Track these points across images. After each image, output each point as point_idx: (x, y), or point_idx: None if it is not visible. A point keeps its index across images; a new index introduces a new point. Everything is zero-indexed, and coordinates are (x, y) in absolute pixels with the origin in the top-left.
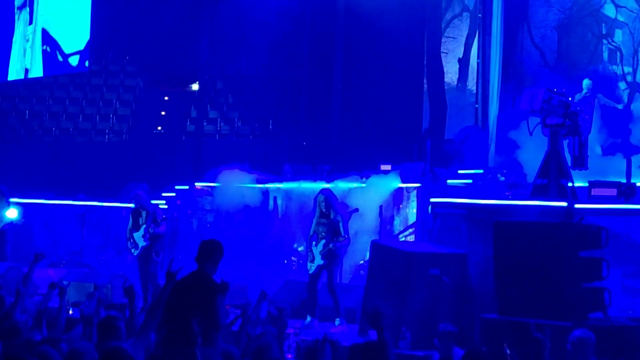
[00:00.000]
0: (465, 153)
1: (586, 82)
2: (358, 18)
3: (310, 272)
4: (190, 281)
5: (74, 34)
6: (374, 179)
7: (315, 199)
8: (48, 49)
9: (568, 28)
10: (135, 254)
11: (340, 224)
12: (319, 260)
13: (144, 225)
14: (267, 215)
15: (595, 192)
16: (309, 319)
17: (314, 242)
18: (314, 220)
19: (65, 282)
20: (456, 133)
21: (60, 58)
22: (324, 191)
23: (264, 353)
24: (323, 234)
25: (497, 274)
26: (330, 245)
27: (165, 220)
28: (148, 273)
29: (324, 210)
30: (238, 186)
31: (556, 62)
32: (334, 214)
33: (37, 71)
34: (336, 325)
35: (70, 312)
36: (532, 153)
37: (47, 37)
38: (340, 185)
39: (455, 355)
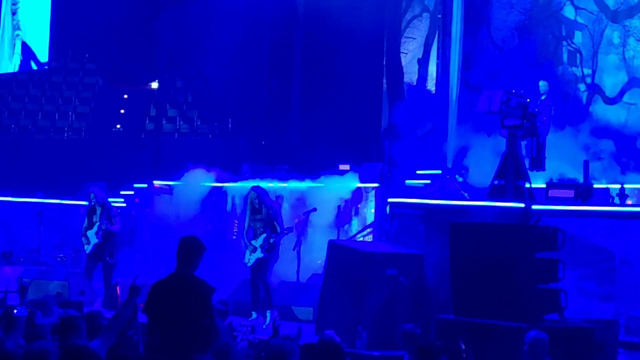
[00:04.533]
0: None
1: (542, 84)
2: (318, 18)
3: (249, 264)
4: (177, 284)
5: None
6: (332, 179)
7: (246, 196)
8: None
9: (528, 29)
10: (87, 251)
11: (277, 218)
12: (259, 254)
13: (98, 223)
14: (225, 215)
15: (552, 193)
16: (254, 315)
17: (252, 238)
18: (247, 217)
19: (26, 281)
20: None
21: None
22: (255, 188)
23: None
24: (261, 229)
25: (453, 275)
26: (271, 240)
27: (118, 215)
28: (103, 274)
29: (256, 206)
30: (201, 185)
31: (516, 63)
32: (266, 210)
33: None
34: (252, 318)
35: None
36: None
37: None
38: (297, 185)
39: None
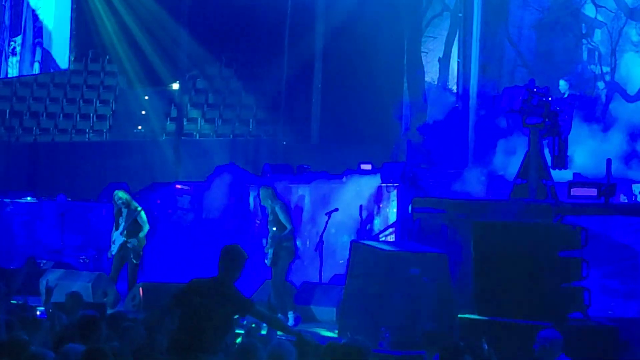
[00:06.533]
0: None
1: (563, 83)
2: (338, 17)
3: (268, 264)
4: (215, 286)
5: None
6: (354, 179)
7: (257, 195)
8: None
9: (547, 28)
10: (113, 252)
11: (285, 216)
12: (270, 252)
13: (123, 224)
14: (247, 214)
15: (575, 191)
16: (291, 316)
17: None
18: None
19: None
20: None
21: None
22: (262, 186)
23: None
24: (272, 227)
25: (476, 274)
26: (277, 238)
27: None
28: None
29: (265, 205)
30: (226, 185)
31: (535, 62)
32: (273, 208)
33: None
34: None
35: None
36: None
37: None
38: (319, 185)
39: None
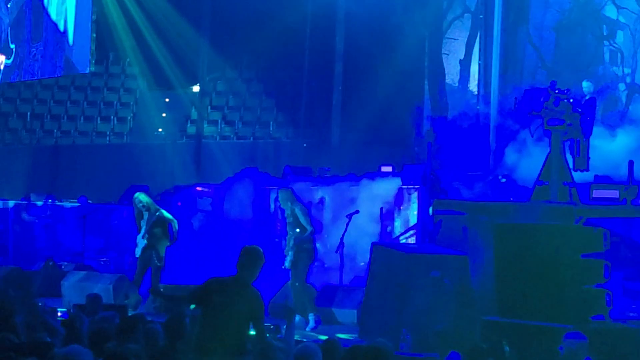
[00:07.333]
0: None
1: (586, 84)
2: (358, 19)
3: (286, 267)
4: (234, 285)
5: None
6: (374, 181)
7: (276, 198)
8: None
9: (567, 29)
10: (136, 255)
11: (305, 218)
12: (290, 255)
13: (145, 227)
14: (268, 217)
15: (597, 193)
16: (297, 317)
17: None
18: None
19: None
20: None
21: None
22: (281, 190)
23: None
24: (290, 230)
25: (497, 276)
26: (297, 240)
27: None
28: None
29: (284, 208)
30: (248, 187)
31: (554, 63)
32: (292, 210)
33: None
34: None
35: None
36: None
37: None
38: (339, 187)
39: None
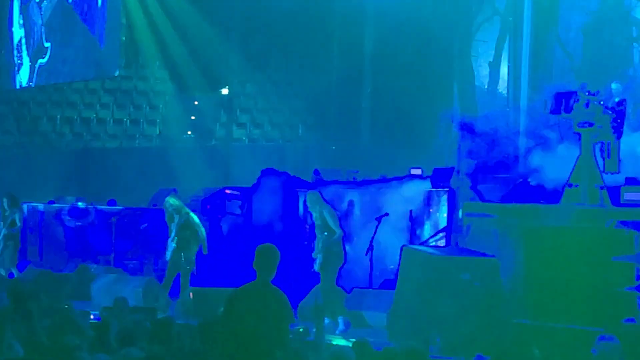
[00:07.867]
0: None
1: (615, 86)
2: (388, 21)
3: (316, 269)
4: (258, 292)
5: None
6: (404, 183)
7: (305, 201)
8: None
9: (595, 31)
10: (167, 258)
11: (332, 221)
12: (319, 258)
13: (174, 230)
14: (297, 220)
15: (628, 196)
16: (340, 321)
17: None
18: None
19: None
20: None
21: None
22: (308, 193)
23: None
24: (318, 233)
25: (528, 279)
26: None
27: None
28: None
29: (312, 211)
30: (277, 190)
31: (583, 65)
32: (320, 213)
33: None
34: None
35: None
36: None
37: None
38: (369, 189)
39: None
